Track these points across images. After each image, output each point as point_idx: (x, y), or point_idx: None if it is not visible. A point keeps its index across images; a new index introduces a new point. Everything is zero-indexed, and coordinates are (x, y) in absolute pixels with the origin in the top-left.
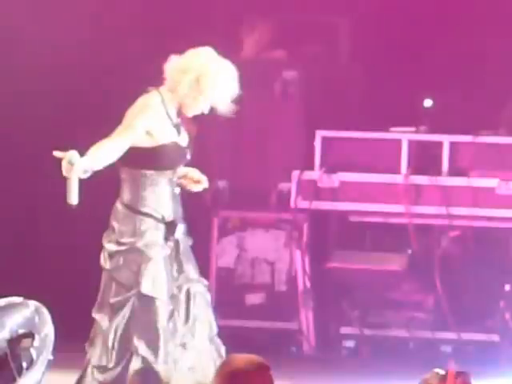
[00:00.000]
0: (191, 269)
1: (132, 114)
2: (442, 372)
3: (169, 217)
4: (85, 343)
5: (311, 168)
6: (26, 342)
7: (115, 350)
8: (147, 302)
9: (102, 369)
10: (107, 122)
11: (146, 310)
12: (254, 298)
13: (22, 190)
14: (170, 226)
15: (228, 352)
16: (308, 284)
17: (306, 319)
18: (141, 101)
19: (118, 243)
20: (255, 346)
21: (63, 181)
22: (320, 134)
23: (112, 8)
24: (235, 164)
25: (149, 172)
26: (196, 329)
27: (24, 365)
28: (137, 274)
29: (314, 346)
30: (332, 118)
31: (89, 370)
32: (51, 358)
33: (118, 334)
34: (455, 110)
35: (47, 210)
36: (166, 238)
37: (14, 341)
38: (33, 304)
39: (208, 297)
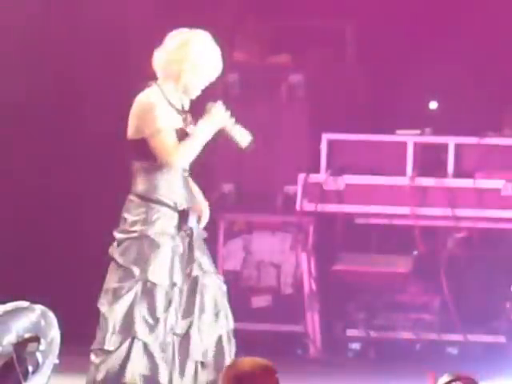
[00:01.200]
0: (206, 260)
1: (146, 117)
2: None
3: (181, 205)
4: (91, 347)
5: (317, 171)
6: (32, 346)
7: (115, 334)
8: (151, 289)
9: (102, 352)
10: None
11: (149, 296)
12: (260, 301)
13: (25, 191)
14: (183, 215)
15: (234, 355)
16: (314, 286)
17: (312, 322)
18: (143, 100)
19: (128, 232)
20: (261, 349)
21: (66, 183)
22: (326, 137)
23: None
24: (241, 167)
25: (156, 161)
26: (203, 321)
27: (30, 369)
28: (144, 260)
29: (320, 349)
30: (338, 121)
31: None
32: (57, 361)
33: (121, 318)
34: (460, 112)
35: (54, 213)
36: (180, 228)
37: (21, 345)
38: (39, 308)
39: (224, 288)
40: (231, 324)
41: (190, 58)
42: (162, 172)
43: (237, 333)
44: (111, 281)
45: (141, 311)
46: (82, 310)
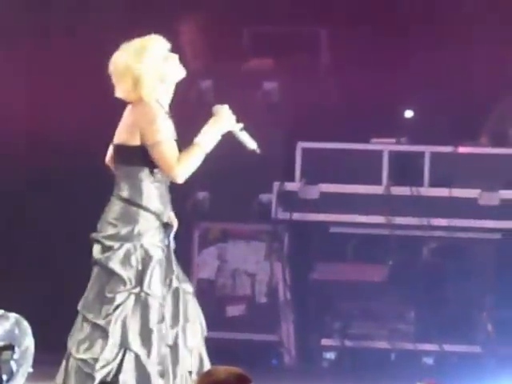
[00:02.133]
0: (180, 270)
1: (150, 127)
2: None
3: (163, 213)
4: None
5: (292, 179)
6: (6, 355)
7: (109, 345)
8: (145, 300)
9: (94, 361)
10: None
11: (143, 308)
12: (234, 310)
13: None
14: (167, 227)
15: (209, 364)
16: (289, 295)
17: (287, 331)
18: (147, 109)
19: (121, 239)
20: (236, 358)
21: (38, 193)
22: (301, 145)
23: None
24: (216, 175)
25: (149, 169)
26: (187, 330)
27: (4, 377)
28: (139, 271)
29: (294, 358)
30: (313, 129)
31: (72, 363)
32: (31, 370)
33: (118, 329)
34: (436, 121)
35: (26, 221)
36: (163, 239)
37: None
38: (13, 316)
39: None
40: (205, 332)
41: (153, 63)
42: (150, 179)
43: (211, 342)
44: (104, 289)
45: (134, 322)
46: (56, 319)
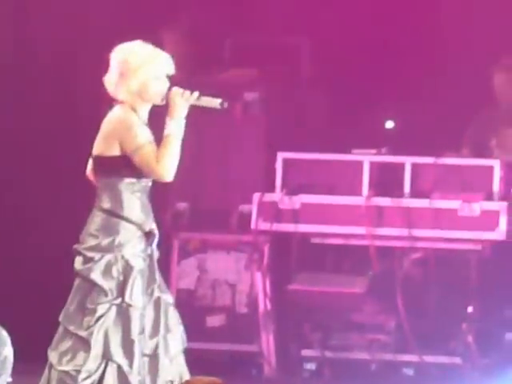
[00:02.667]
0: (162, 280)
1: (127, 134)
2: None
3: (145, 224)
4: (45, 365)
5: (272, 190)
6: None
7: (92, 356)
8: (126, 311)
9: (76, 373)
10: None
11: (125, 319)
12: (214, 320)
13: None
14: (149, 236)
15: (188, 374)
16: (269, 306)
17: (267, 341)
18: (121, 117)
19: (102, 250)
20: (216, 369)
21: (20, 201)
22: (281, 156)
23: None
24: (196, 185)
25: (129, 180)
26: (168, 340)
27: None
28: (120, 282)
29: (274, 369)
30: (293, 140)
31: (54, 375)
32: (10, 380)
33: (101, 340)
34: (417, 132)
35: (7, 229)
36: (145, 249)
37: None
38: None
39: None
40: (185, 343)
41: (137, 67)
42: (130, 190)
43: (191, 352)
44: (85, 300)
45: (116, 333)
46: (35, 328)
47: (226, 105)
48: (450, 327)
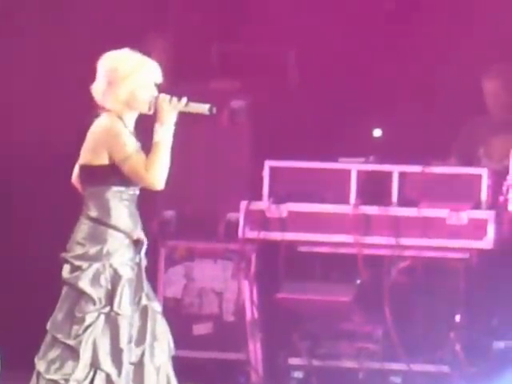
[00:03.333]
0: (150, 289)
1: (116, 143)
2: None
3: (134, 232)
4: (30, 372)
5: (259, 198)
6: None
7: (80, 365)
8: (115, 320)
9: (65, 382)
10: None
11: (113, 327)
12: (201, 329)
13: None
14: (138, 244)
15: (176, 383)
16: (256, 314)
17: (254, 350)
18: (108, 126)
19: (88, 258)
20: (203, 377)
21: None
22: (268, 164)
23: None
24: (182, 194)
25: (116, 188)
26: (155, 348)
27: None
28: (108, 291)
29: (262, 377)
30: (280, 148)
31: (42, 383)
32: None
33: (89, 349)
34: (404, 141)
35: None
36: (134, 257)
37: None
38: None
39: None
40: (173, 351)
41: (125, 75)
42: (117, 198)
43: (178, 360)
44: (73, 309)
45: (104, 342)
46: (22, 335)
47: (214, 110)
48: (437, 336)
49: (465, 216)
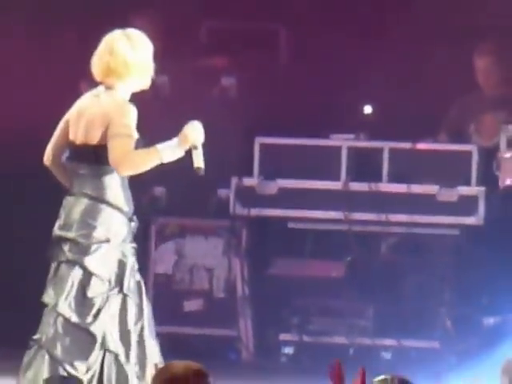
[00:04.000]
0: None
1: (123, 117)
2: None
3: (131, 212)
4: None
5: (250, 175)
6: None
7: (90, 347)
8: (124, 301)
9: (84, 365)
10: None
11: (122, 309)
12: (192, 305)
13: None
14: (131, 221)
15: (166, 359)
16: (247, 291)
17: (245, 326)
18: (120, 102)
19: (96, 238)
20: (193, 353)
21: None
22: (259, 141)
23: None
24: (173, 170)
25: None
26: (145, 323)
27: None
28: (117, 272)
29: (252, 353)
30: (271, 125)
31: (49, 362)
32: None
33: (96, 330)
34: (395, 117)
35: None
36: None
37: None
38: None
39: None
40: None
41: (142, 57)
42: (114, 176)
43: (169, 336)
44: (84, 291)
45: (113, 324)
46: (12, 313)
47: (202, 173)
48: (428, 312)
49: (455, 193)
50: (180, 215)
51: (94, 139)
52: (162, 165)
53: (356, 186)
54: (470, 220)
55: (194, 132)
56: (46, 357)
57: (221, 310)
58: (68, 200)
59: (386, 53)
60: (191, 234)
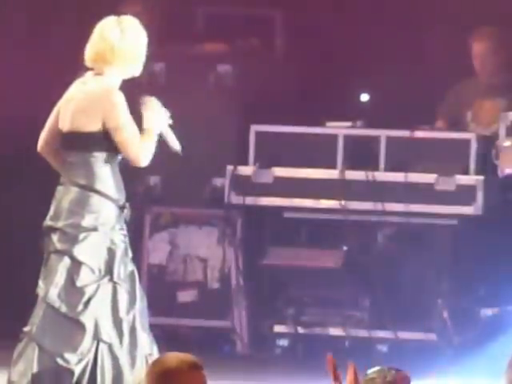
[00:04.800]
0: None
1: (115, 109)
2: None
3: (122, 201)
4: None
5: (245, 163)
6: None
7: (84, 338)
8: (114, 289)
9: (75, 356)
10: None
11: (113, 297)
12: (186, 296)
13: None
14: (123, 210)
15: (159, 350)
16: (241, 281)
17: (239, 317)
18: (111, 90)
19: (84, 228)
20: (187, 345)
21: None
22: (254, 129)
23: None
24: (167, 159)
25: (106, 154)
26: (136, 314)
27: None
28: (107, 261)
29: (247, 345)
30: (267, 113)
31: (40, 354)
32: None
33: (88, 320)
34: (392, 105)
35: None
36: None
37: None
38: None
39: None
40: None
41: (141, 52)
42: (104, 164)
43: (162, 328)
44: (73, 280)
45: (105, 313)
46: (8, 304)
47: (181, 153)
48: (425, 303)
49: (453, 181)
50: (174, 204)
51: (82, 126)
52: (156, 154)
53: (352, 175)
54: (468, 210)
55: (155, 122)
56: (36, 349)
57: (215, 301)
58: (58, 190)
59: (384, 39)
60: (185, 223)
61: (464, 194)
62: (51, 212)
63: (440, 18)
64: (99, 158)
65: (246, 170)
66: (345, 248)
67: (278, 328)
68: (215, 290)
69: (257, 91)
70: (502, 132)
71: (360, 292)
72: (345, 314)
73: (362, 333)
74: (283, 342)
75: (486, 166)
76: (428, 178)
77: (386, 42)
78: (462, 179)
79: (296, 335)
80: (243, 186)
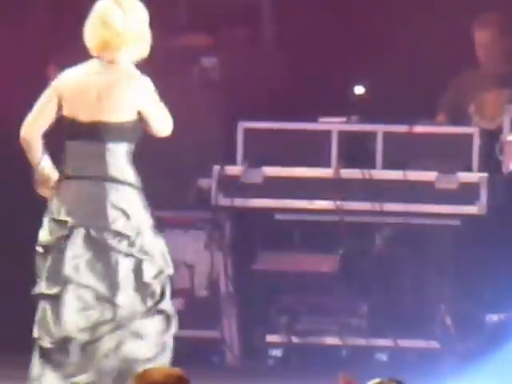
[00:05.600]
0: None
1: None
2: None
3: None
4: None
5: (233, 162)
6: None
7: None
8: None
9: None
10: None
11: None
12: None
13: None
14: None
15: None
16: (231, 288)
17: (229, 326)
18: (139, 75)
19: (132, 226)
20: (174, 357)
21: None
22: (242, 126)
23: None
24: (150, 159)
25: (131, 145)
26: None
27: None
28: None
29: (237, 356)
30: (255, 108)
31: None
32: None
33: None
34: (389, 98)
35: None
36: None
37: None
38: None
39: None
40: None
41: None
42: (129, 155)
43: None
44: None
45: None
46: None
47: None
48: (426, 309)
49: (455, 180)
50: (158, 207)
51: (114, 116)
52: (136, 153)
53: (348, 174)
54: (471, 209)
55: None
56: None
57: (203, 310)
58: (67, 184)
59: (379, 29)
60: (170, 227)
61: (467, 193)
62: (68, 208)
63: (439, 6)
64: (123, 148)
65: (233, 170)
66: (341, 251)
67: (270, 337)
68: (203, 298)
69: (245, 85)
70: (507, 125)
71: (357, 298)
72: (341, 321)
73: (360, 341)
74: (276, 353)
75: (490, 162)
76: (428, 175)
77: (382, 29)
78: (465, 177)
79: (290, 345)
80: (231, 186)
